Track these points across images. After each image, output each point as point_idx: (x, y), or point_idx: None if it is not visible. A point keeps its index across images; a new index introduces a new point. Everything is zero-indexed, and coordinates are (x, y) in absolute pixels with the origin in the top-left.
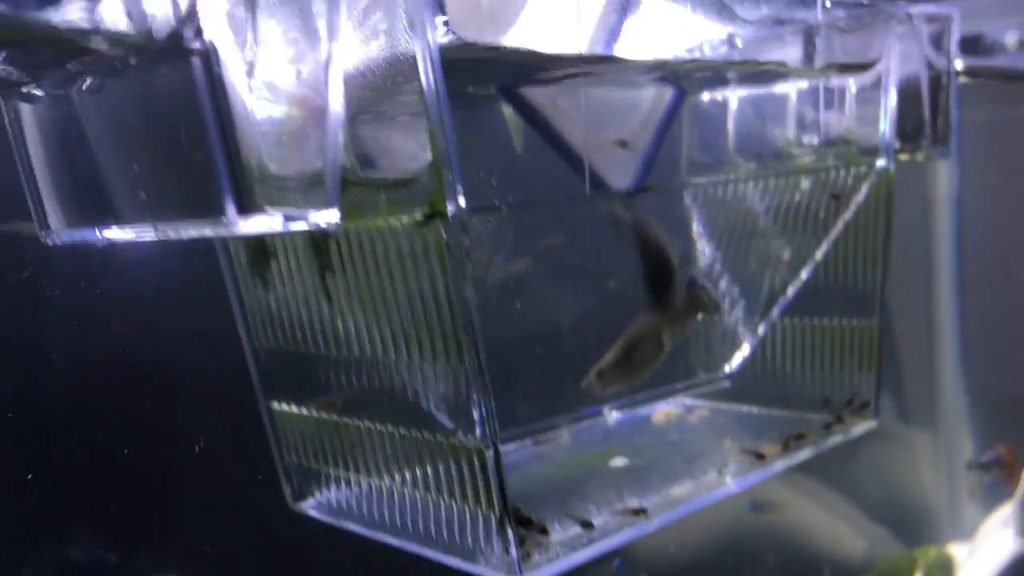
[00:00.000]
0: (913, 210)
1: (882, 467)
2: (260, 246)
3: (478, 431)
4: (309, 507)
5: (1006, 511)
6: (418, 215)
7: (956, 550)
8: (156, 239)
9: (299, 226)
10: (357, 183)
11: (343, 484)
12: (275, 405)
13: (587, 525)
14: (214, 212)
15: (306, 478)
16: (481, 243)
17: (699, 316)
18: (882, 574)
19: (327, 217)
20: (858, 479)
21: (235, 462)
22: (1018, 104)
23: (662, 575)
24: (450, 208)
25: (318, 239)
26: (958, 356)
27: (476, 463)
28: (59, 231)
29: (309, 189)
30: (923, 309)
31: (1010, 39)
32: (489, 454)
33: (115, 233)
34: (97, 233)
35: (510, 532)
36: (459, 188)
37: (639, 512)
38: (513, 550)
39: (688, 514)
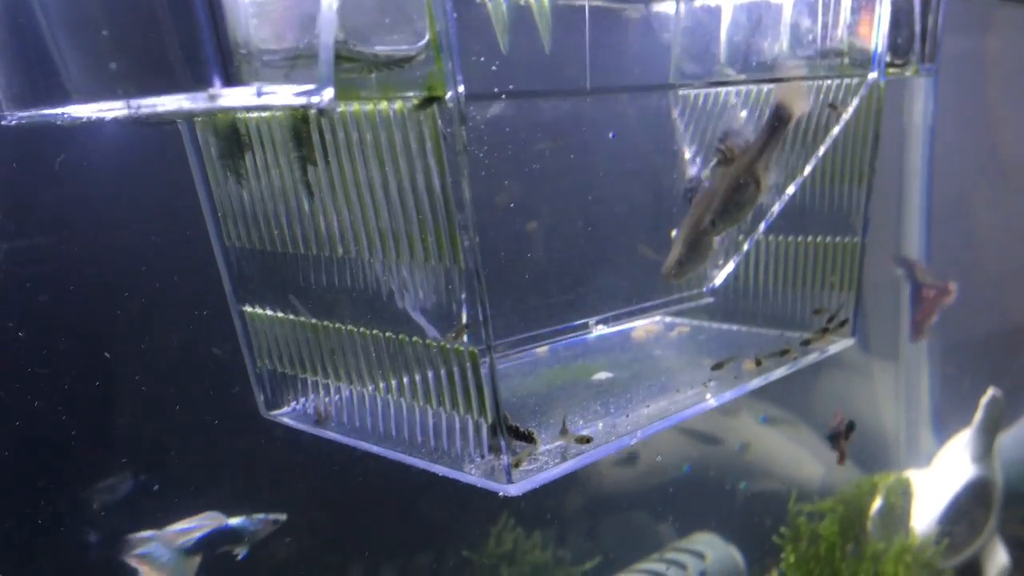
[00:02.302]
0: (886, 141)
1: (842, 396)
2: (234, 137)
3: (473, 335)
4: (284, 415)
5: (962, 438)
6: (414, 99)
7: (914, 476)
8: (126, 116)
9: (281, 101)
10: (347, 58)
11: (321, 391)
12: (247, 308)
13: (584, 440)
14: (197, 84)
15: (281, 385)
16: (479, 134)
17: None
18: (844, 498)
19: (321, 95)
20: (819, 408)
21: (204, 368)
22: (985, 35)
23: (635, 496)
24: (449, 93)
25: (300, 128)
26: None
27: (468, 368)
28: (13, 109)
29: (296, 65)
30: (891, 243)
31: None
32: (484, 358)
33: (79, 110)
34: (58, 111)
35: (502, 439)
36: (458, 72)
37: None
38: (505, 457)
39: (661, 432)
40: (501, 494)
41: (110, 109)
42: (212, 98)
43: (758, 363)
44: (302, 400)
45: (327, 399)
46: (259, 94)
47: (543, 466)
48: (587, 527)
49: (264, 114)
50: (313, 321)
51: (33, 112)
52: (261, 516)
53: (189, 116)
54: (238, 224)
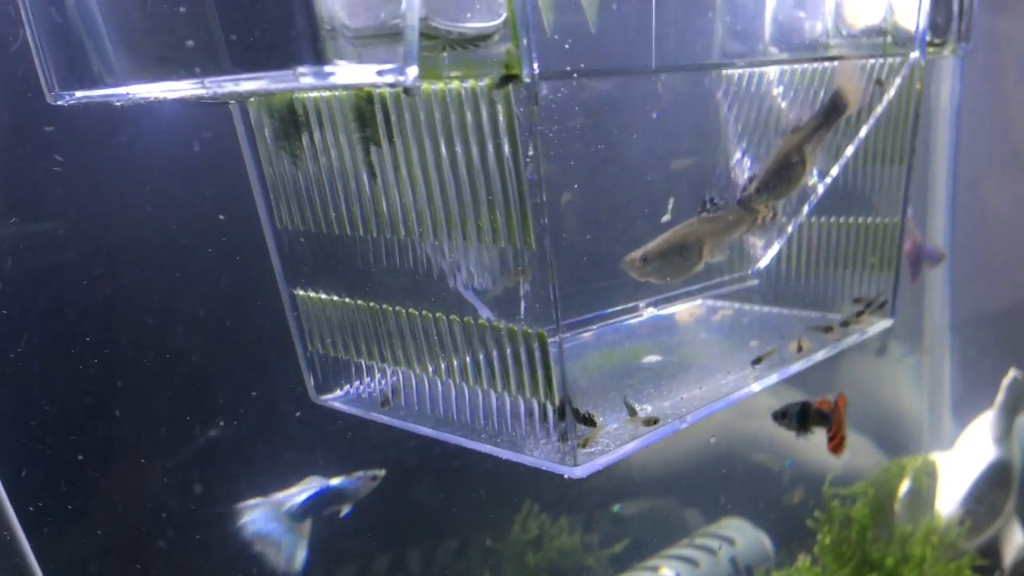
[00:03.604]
0: None
1: (864, 381)
2: (291, 117)
3: (537, 316)
4: (335, 400)
5: (984, 420)
6: (488, 79)
7: (938, 458)
8: (199, 96)
9: (365, 79)
10: (425, 36)
11: (375, 375)
12: (299, 291)
13: (652, 421)
14: (285, 63)
15: (332, 369)
16: (550, 114)
17: (748, 230)
18: (874, 481)
19: (405, 73)
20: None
21: (251, 352)
22: (1001, 15)
23: (662, 482)
24: (524, 72)
25: (363, 108)
26: (946, 272)
27: (535, 349)
28: (69, 88)
29: (379, 42)
30: (917, 223)
31: None
32: (552, 340)
33: (143, 90)
34: (121, 91)
35: (569, 421)
36: (535, 50)
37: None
38: (571, 440)
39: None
40: (566, 476)
41: (182, 88)
42: (301, 77)
43: (800, 348)
44: (356, 384)
45: (383, 382)
46: (322, 76)
47: (605, 448)
48: (614, 513)
49: (325, 93)
50: (371, 304)
51: (92, 91)
52: (360, 473)
53: (268, 95)
54: (291, 206)
